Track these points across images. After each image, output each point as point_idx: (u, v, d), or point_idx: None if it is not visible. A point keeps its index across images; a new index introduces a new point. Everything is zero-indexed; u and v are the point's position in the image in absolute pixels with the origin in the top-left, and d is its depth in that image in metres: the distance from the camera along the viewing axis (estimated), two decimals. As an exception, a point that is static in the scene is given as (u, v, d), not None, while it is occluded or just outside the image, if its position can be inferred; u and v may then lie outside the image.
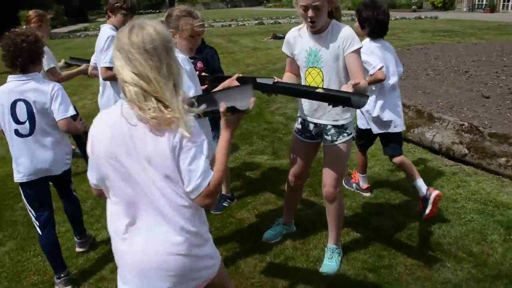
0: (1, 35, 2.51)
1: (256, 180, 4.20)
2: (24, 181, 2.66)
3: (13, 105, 2.51)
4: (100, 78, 3.45)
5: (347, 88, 2.17)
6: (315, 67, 2.50)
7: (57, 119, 2.58)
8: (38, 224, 2.75)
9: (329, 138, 2.62)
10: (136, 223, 1.56)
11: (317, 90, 2.32)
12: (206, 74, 2.84)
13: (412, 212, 3.41)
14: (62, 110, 2.56)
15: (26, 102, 2.50)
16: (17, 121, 2.54)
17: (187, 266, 1.57)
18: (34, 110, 2.52)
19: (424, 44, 12.03)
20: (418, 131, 4.84)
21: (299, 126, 2.77)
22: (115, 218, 1.59)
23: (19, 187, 2.75)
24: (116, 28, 3.35)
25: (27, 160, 2.60)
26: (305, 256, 2.93)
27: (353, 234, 3.15)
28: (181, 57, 2.32)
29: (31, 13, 3.99)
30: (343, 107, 2.22)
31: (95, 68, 3.67)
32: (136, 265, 1.57)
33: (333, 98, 2.18)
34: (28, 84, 2.52)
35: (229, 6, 54.24)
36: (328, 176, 2.63)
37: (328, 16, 2.44)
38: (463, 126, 4.58)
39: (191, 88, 2.23)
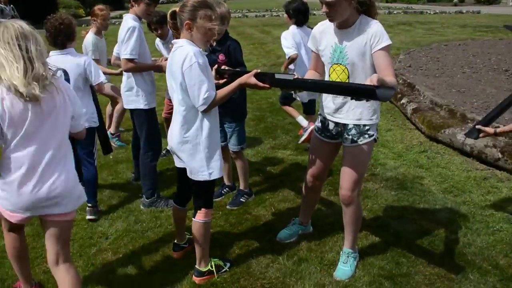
0: (43, 20, 3.12)
1: (276, 176, 4.11)
2: None
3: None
4: None
5: (370, 82, 2.02)
6: (340, 64, 2.39)
7: (93, 84, 3.22)
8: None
9: (349, 138, 2.50)
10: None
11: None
12: (227, 68, 2.76)
13: (436, 218, 3.25)
14: (95, 76, 3.18)
15: (64, 71, 2.90)
16: None
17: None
18: (69, 76, 2.98)
19: (463, 40, 11.53)
20: (449, 131, 4.62)
21: (319, 125, 2.66)
22: None
23: None
24: (139, 18, 3.31)
25: None
26: (319, 258, 2.83)
27: (372, 238, 3.02)
28: (194, 50, 2.24)
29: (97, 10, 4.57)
30: (367, 100, 2.06)
31: (118, 58, 3.65)
32: None
33: (357, 90, 2.05)
34: (66, 57, 3.10)
35: (264, -4, 53.74)
36: (345, 178, 2.52)
37: (359, 10, 2.33)
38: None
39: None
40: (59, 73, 2.64)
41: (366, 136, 2.47)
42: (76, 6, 24.66)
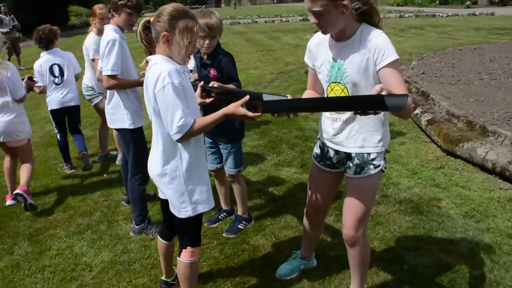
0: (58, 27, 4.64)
1: (279, 198, 3.77)
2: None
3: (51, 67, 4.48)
4: None
5: (375, 92, 1.64)
6: (339, 82, 2.02)
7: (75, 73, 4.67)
8: (58, 137, 4.74)
9: (352, 168, 2.14)
10: None
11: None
12: (216, 84, 2.45)
13: (456, 249, 2.88)
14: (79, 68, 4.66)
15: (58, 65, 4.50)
16: (54, 76, 4.50)
17: None
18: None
19: (478, 44, 11.10)
20: (468, 146, 4.24)
21: (318, 151, 2.32)
22: None
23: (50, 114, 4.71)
24: (121, 29, 3.02)
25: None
26: (323, 299, 2.49)
27: (384, 275, 2.66)
28: (170, 69, 1.92)
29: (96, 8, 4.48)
30: (375, 113, 1.67)
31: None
32: None
33: (361, 102, 1.67)
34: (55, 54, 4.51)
35: (274, 1, 53.70)
36: (348, 215, 2.16)
37: (360, 18, 1.95)
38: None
39: None
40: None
41: (371, 166, 2.10)
42: (87, 14, 24.81)
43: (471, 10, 25.50)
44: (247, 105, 1.94)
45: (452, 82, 6.70)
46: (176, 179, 2.07)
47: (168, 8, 1.95)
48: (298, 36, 16.15)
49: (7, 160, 3.98)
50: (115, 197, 4.00)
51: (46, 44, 4.44)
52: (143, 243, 3.19)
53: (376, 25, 1.96)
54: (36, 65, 4.49)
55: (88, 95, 4.63)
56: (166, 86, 1.88)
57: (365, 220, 2.18)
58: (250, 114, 1.91)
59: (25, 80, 3.97)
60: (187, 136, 1.97)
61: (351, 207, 2.14)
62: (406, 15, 23.54)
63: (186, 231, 2.21)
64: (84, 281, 2.83)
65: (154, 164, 2.14)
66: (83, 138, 4.84)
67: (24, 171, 3.88)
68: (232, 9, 42.74)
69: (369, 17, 1.94)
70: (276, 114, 1.96)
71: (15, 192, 3.70)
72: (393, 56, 1.88)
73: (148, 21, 2.01)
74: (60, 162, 4.92)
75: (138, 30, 2.05)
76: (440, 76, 7.15)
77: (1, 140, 3.76)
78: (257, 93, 2.01)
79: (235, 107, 1.95)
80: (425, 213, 3.36)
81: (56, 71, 4.49)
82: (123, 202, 3.83)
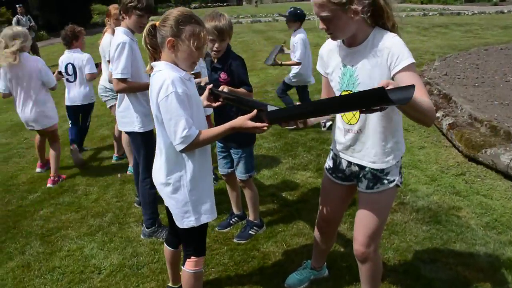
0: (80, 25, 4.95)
1: (292, 203, 3.69)
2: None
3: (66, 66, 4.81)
4: None
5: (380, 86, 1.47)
6: (350, 91, 1.92)
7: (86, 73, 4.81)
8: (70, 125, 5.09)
9: (363, 183, 2.04)
10: None
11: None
12: (225, 88, 2.40)
13: (476, 263, 2.75)
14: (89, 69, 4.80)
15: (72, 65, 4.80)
16: (68, 74, 4.82)
17: None
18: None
19: (505, 43, 10.74)
20: (491, 152, 4.07)
21: (330, 163, 2.22)
22: None
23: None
24: (131, 31, 2.98)
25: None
26: (334, 312, 2.40)
27: (398, 288, 2.56)
28: (173, 77, 1.86)
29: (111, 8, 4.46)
30: (380, 109, 1.51)
31: None
32: None
33: (362, 97, 1.52)
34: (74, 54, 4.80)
35: (297, -1, 53.25)
36: (359, 230, 2.06)
37: (373, 22, 1.83)
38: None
39: None
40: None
41: (385, 181, 2.00)
42: (109, 13, 25.13)
43: (499, 7, 24.81)
44: (255, 119, 1.86)
45: (476, 84, 6.48)
46: (179, 189, 2.02)
47: (174, 12, 1.88)
48: (318, 35, 15.85)
49: (37, 138, 4.70)
50: (128, 198, 3.98)
51: (67, 43, 4.81)
52: (152, 247, 3.16)
53: (390, 28, 1.83)
54: (59, 61, 4.90)
55: (105, 96, 4.63)
56: (170, 95, 1.82)
57: (377, 237, 2.08)
58: (258, 125, 1.84)
59: (55, 74, 4.55)
60: (191, 147, 1.91)
61: (362, 223, 2.04)
62: (430, 13, 23.04)
63: (189, 240, 2.16)
64: (92, 284, 2.81)
65: (158, 172, 2.09)
66: (82, 132, 5.19)
67: (52, 159, 4.46)
68: (253, 7, 42.64)
69: (382, 21, 1.82)
70: (283, 124, 1.88)
71: (48, 185, 4.38)
72: (408, 59, 1.75)
73: (154, 26, 1.95)
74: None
75: (143, 35, 2.00)
76: (463, 78, 6.93)
77: (29, 129, 4.42)
78: (263, 104, 1.92)
79: (243, 121, 1.88)
80: (444, 222, 3.23)
81: (70, 70, 4.80)
82: (135, 204, 3.82)
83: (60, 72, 4.74)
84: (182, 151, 1.92)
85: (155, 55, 1.99)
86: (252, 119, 1.85)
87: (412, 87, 1.48)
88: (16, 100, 4.25)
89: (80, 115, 5.07)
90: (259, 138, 5.31)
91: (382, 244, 2.96)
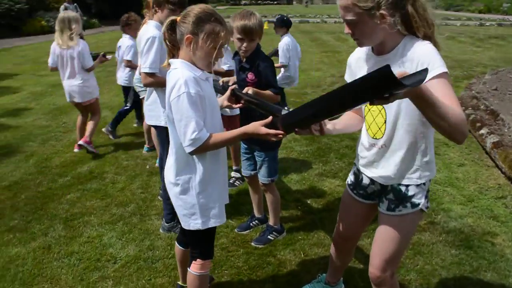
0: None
1: (317, 211, 3.57)
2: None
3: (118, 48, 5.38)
4: None
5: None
6: None
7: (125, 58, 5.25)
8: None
9: (384, 203, 1.90)
10: None
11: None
12: (251, 90, 2.34)
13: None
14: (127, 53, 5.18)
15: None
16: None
17: None
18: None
19: None
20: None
21: (352, 178, 2.10)
22: None
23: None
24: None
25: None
26: (345, 332, 2.28)
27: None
28: (187, 76, 1.80)
29: None
30: (390, 94, 1.35)
31: None
32: None
33: (368, 81, 1.39)
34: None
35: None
36: (376, 253, 1.92)
37: (406, 29, 1.68)
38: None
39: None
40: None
41: (408, 204, 1.84)
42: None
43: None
44: (270, 125, 1.79)
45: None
46: (188, 191, 1.96)
47: (195, 9, 1.83)
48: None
49: (79, 118, 5.07)
50: (153, 190, 4.00)
51: (122, 28, 5.38)
52: (169, 242, 3.14)
53: (423, 35, 1.67)
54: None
55: (140, 87, 4.67)
56: (182, 96, 1.77)
57: (394, 262, 1.93)
58: (272, 132, 1.76)
59: (99, 56, 4.95)
60: (201, 150, 1.85)
61: (379, 246, 1.91)
62: (487, 23, 22.04)
63: (195, 243, 2.10)
64: (105, 273, 2.82)
65: (168, 171, 2.04)
66: (118, 117, 5.57)
67: (89, 125, 4.95)
68: (303, 7, 42.35)
69: (412, 29, 1.68)
70: (298, 132, 1.76)
71: (79, 143, 4.89)
72: (439, 68, 1.58)
73: (174, 21, 1.90)
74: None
75: (162, 30, 1.95)
76: (515, 94, 6.54)
77: (69, 100, 4.85)
78: (280, 109, 1.82)
79: (256, 127, 1.81)
80: (476, 248, 3.01)
81: (118, 53, 5.39)
82: (159, 197, 3.82)
83: (104, 55, 5.02)
84: (191, 153, 1.86)
85: (174, 51, 1.94)
86: (267, 125, 1.77)
87: (425, 70, 1.34)
88: (61, 74, 4.75)
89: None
90: (291, 140, 5.22)
91: (405, 264, 2.80)
